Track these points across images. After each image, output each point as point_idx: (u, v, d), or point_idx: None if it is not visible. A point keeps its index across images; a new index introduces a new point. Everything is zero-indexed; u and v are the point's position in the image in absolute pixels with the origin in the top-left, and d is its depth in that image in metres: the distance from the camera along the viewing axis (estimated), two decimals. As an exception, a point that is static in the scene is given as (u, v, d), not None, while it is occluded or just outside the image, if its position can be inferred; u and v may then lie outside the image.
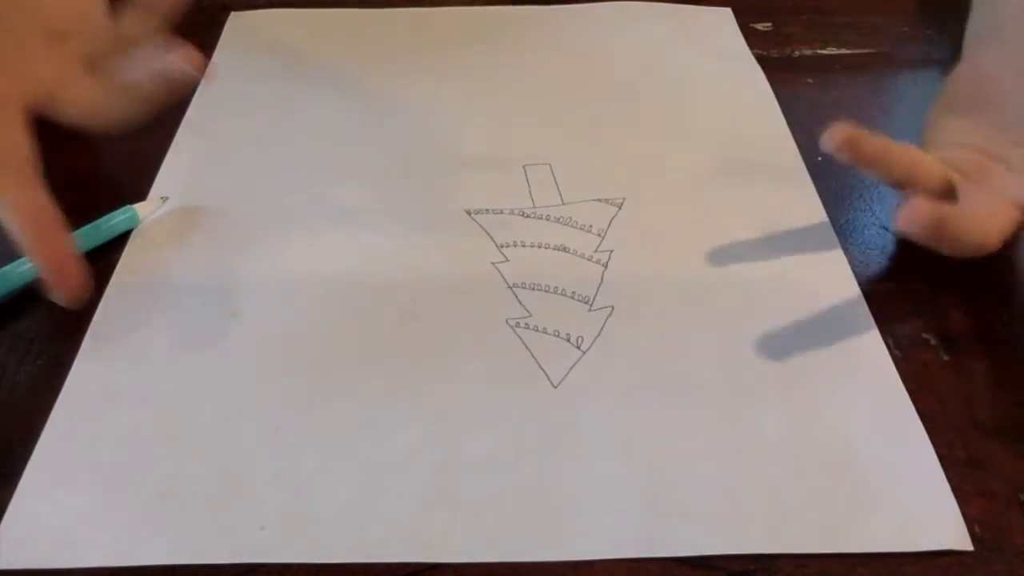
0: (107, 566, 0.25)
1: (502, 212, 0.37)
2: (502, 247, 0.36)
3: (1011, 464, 0.28)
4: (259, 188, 0.38)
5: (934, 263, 0.34)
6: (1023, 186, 0.34)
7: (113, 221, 0.36)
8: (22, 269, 0.33)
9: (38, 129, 0.32)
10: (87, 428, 0.29)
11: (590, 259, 0.35)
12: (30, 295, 0.33)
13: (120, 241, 0.36)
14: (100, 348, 0.31)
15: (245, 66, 0.46)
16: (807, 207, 0.38)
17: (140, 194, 0.38)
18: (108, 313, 0.33)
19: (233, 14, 0.49)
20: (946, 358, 0.32)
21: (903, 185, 0.33)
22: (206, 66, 0.33)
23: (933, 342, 0.32)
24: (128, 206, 0.36)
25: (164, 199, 0.37)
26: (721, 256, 0.35)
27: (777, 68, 0.45)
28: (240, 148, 0.41)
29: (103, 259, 0.35)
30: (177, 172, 0.39)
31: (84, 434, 0.29)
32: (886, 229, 0.37)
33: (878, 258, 0.36)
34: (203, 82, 0.34)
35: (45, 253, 0.31)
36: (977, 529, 0.27)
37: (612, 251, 0.36)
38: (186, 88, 0.34)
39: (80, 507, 0.27)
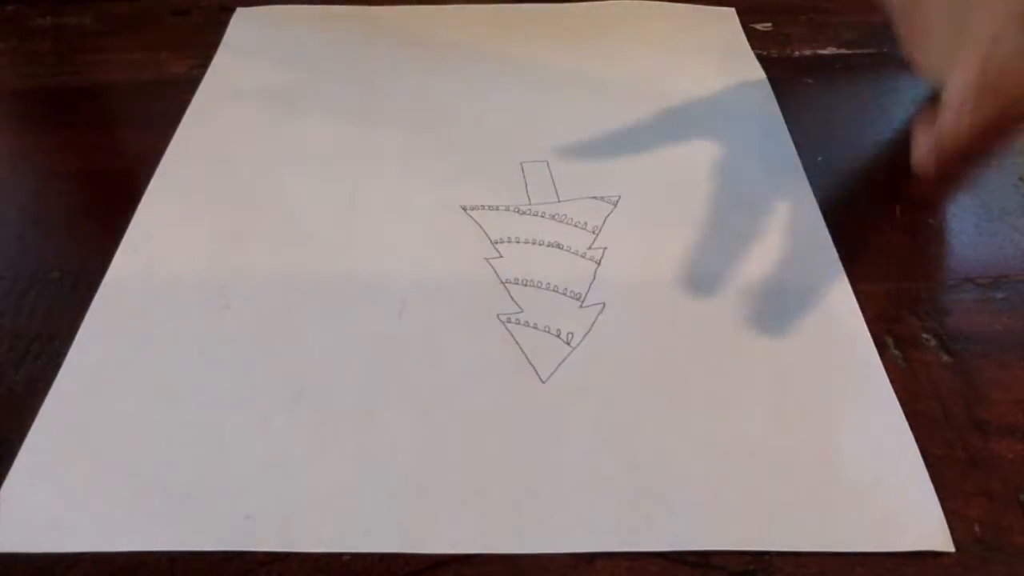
0: (95, 551, 0.26)
1: (497, 208, 0.37)
2: (496, 243, 0.35)
3: (1011, 464, 0.28)
4: (256, 182, 0.38)
5: (934, 263, 0.33)
6: None
7: None
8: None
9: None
10: (78, 416, 0.29)
11: (583, 256, 0.35)
12: (30, 293, 0.33)
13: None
14: (94, 338, 0.31)
15: (248, 62, 0.46)
16: (803, 208, 0.37)
17: (139, 189, 0.38)
18: (103, 305, 0.33)
19: (239, 10, 0.49)
20: (946, 358, 0.31)
21: None
22: None
23: (933, 342, 0.32)
24: None
25: None
26: (713, 256, 0.35)
27: (777, 68, 0.44)
28: (240, 143, 0.40)
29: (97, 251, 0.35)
30: (176, 166, 0.39)
31: (75, 421, 0.29)
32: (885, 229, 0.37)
33: (877, 258, 0.35)
34: None
35: None
36: (977, 529, 0.26)
37: (606, 248, 0.35)
38: None
39: (69, 493, 0.27)
